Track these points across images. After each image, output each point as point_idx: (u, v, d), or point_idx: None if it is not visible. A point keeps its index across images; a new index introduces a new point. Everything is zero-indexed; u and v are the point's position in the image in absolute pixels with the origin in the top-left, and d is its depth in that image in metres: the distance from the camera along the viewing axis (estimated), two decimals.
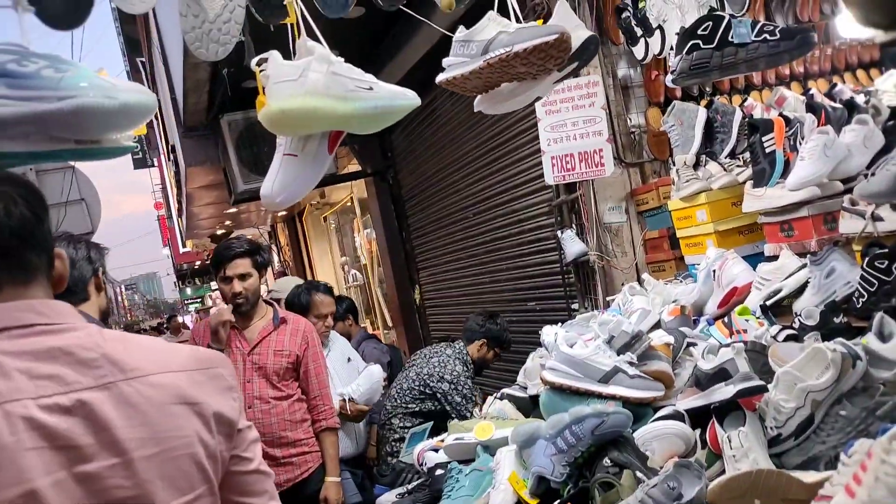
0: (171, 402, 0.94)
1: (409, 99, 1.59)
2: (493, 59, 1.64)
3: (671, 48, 2.44)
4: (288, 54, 1.62)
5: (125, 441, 0.89)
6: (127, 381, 0.92)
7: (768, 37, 1.90)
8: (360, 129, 1.66)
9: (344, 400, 3.07)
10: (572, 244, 3.29)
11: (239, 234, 10.59)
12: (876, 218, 2.06)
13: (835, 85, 2.95)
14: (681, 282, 2.68)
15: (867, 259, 2.01)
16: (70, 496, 0.85)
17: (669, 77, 2.10)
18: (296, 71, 1.52)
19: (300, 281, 3.74)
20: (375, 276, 8.17)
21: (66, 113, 1.18)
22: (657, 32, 2.84)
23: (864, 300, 1.96)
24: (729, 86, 3.42)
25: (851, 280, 2.03)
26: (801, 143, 2.33)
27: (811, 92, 2.85)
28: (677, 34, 2.08)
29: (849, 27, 3.50)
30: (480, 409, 2.60)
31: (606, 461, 1.58)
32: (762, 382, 1.59)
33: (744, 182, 2.58)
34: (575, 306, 3.64)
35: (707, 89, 3.37)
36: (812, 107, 2.47)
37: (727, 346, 1.75)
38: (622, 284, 2.93)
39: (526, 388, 2.35)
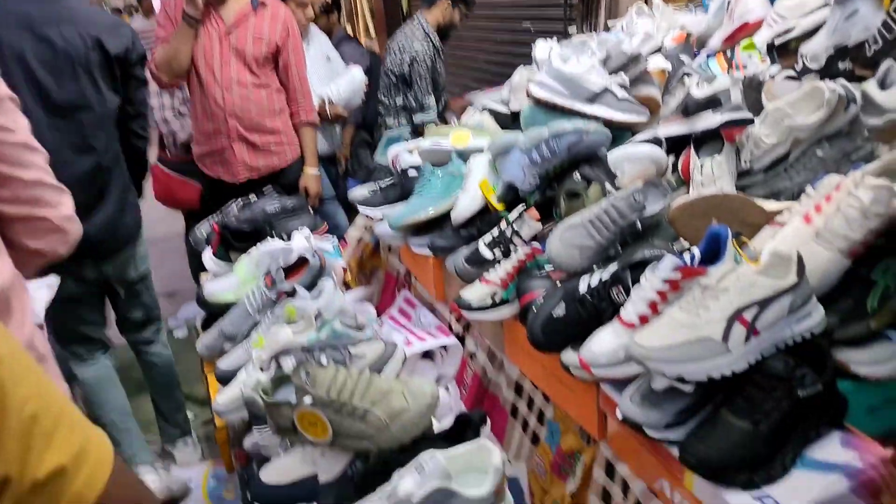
0: None
1: None
2: None
3: None
4: None
5: None
6: None
7: None
8: None
9: (323, 101, 3.01)
10: None
11: None
12: None
13: None
14: (691, 11, 2.49)
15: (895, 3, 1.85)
16: None
17: None
18: None
19: None
20: None
21: None
22: None
23: (876, 48, 1.86)
24: None
25: (871, 26, 1.90)
26: None
27: None
28: None
29: None
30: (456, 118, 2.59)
31: (576, 175, 1.60)
32: (750, 115, 1.56)
33: None
34: (573, 30, 3.42)
35: None
36: None
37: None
38: (628, 8, 2.71)
39: (508, 104, 2.30)
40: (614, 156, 1.70)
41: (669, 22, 2.32)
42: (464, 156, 2.00)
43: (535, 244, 1.51)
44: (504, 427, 1.59)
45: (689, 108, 1.65)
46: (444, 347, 1.81)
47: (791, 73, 1.91)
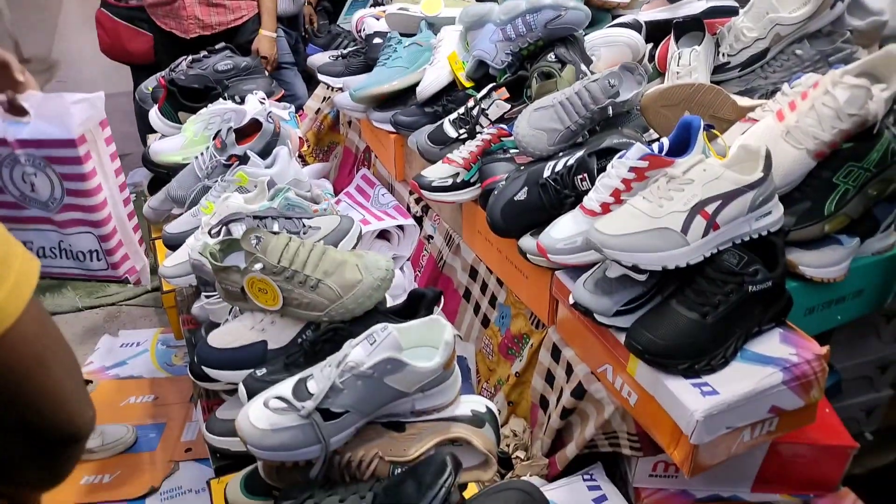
0: None
1: None
2: None
3: None
4: None
5: None
6: None
7: None
8: None
9: None
10: None
11: None
12: None
13: None
14: None
15: None
16: None
17: None
18: None
19: None
20: None
21: None
22: None
23: None
24: None
25: None
26: None
27: None
28: None
29: None
30: None
31: (551, 56, 1.53)
32: (736, 4, 1.49)
33: None
34: None
35: None
36: None
37: None
38: None
39: None
40: (592, 39, 1.62)
41: None
42: (434, 27, 1.88)
43: (502, 126, 1.46)
44: (456, 309, 1.61)
45: None
46: (401, 228, 1.79)
47: None
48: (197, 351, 1.12)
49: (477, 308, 1.54)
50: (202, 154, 1.60)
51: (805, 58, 1.45)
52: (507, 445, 1.33)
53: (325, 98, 2.44)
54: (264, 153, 1.55)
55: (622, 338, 1.02)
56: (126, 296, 2.77)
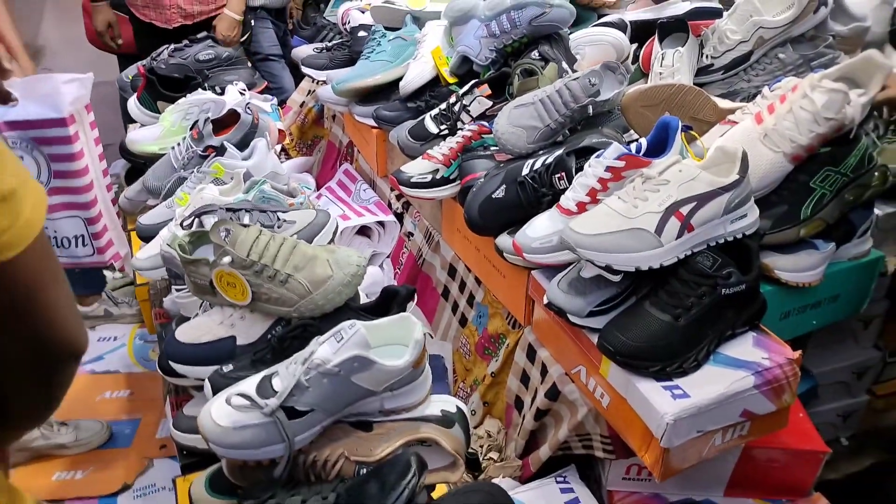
0: None
1: None
2: None
3: None
4: None
5: None
6: None
7: None
8: None
9: None
10: None
11: None
12: None
13: None
14: None
15: None
16: None
17: None
18: None
19: None
20: None
21: None
22: None
23: None
24: None
25: None
26: None
27: None
28: None
29: None
30: None
31: (535, 53, 1.51)
32: (720, 7, 1.49)
33: None
34: None
35: None
36: None
37: None
38: None
39: None
40: (577, 38, 1.61)
41: None
42: (420, 21, 1.86)
43: (483, 123, 1.44)
44: (435, 308, 1.59)
45: None
46: (382, 225, 1.77)
47: None
48: (164, 346, 1.10)
49: (455, 307, 1.53)
50: (179, 144, 1.57)
51: (788, 62, 1.45)
52: (481, 446, 1.31)
53: (309, 91, 2.41)
54: (242, 145, 1.53)
55: (595, 339, 1.01)
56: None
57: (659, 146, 1.09)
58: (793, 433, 1.11)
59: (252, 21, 2.69)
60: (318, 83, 2.13)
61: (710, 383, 0.95)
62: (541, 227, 1.11)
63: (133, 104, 1.89)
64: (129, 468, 1.85)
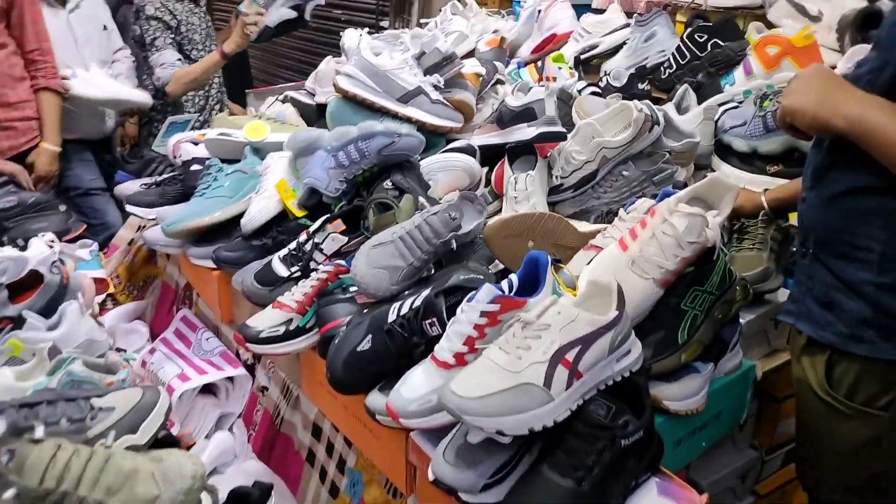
0: None
1: None
2: None
3: None
4: None
5: None
6: None
7: None
8: None
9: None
10: None
11: None
12: None
13: None
14: (503, 17, 2.46)
15: (688, 31, 1.96)
16: None
17: None
18: None
19: None
20: None
21: None
22: None
23: (670, 71, 1.95)
24: None
25: (666, 50, 2.00)
26: None
27: None
28: None
29: None
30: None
31: (387, 183, 1.44)
32: (564, 129, 1.52)
33: None
34: (385, 24, 3.27)
35: None
36: None
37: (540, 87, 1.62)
38: (440, 10, 2.62)
39: (314, 95, 2.07)
40: (428, 164, 1.57)
41: (483, 25, 2.26)
42: (260, 152, 1.74)
43: (340, 262, 1.32)
44: (299, 475, 1.38)
45: (504, 118, 1.56)
46: (230, 380, 1.55)
47: (596, 89, 1.93)
48: None
49: (323, 474, 1.33)
50: None
51: (632, 178, 1.49)
52: None
53: (140, 227, 2.16)
54: (48, 311, 1.27)
55: None
56: None
57: (530, 282, 1.02)
58: None
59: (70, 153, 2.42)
60: (147, 222, 1.90)
61: None
62: (417, 386, 0.98)
63: None
64: None
